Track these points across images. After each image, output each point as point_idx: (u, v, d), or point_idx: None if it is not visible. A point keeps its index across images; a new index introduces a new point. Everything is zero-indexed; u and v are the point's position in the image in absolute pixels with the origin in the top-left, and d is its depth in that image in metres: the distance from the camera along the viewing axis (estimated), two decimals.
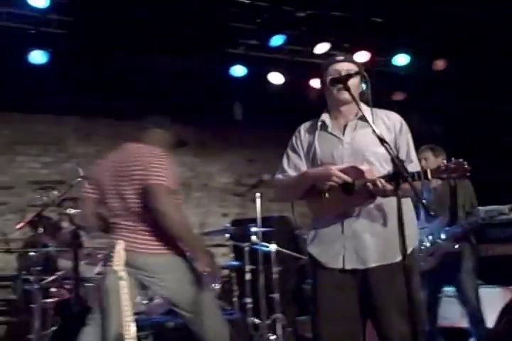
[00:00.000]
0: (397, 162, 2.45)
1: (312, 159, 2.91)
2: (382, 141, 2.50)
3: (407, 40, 6.33)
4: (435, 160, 4.83)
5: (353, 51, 6.29)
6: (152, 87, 6.57)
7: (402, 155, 2.80)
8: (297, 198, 2.93)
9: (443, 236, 4.68)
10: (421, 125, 7.57)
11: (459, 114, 6.76)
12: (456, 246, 4.63)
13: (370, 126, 2.56)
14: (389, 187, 2.56)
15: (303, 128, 3.02)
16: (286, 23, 6.02)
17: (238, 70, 6.57)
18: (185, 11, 5.41)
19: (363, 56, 6.35)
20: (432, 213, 2.36)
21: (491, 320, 4.88)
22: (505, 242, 5.10)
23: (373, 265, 2.74)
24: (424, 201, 2.33)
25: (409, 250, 2.70)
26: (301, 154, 2.96)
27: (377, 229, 2.76)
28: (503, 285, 5.37)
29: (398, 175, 2.43)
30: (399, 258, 2.62)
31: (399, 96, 6.92)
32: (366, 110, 2.82)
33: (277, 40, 6.18)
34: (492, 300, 4.93)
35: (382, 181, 2.58)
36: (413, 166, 2.76)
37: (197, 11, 5.48)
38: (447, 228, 4.69)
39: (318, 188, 2.81)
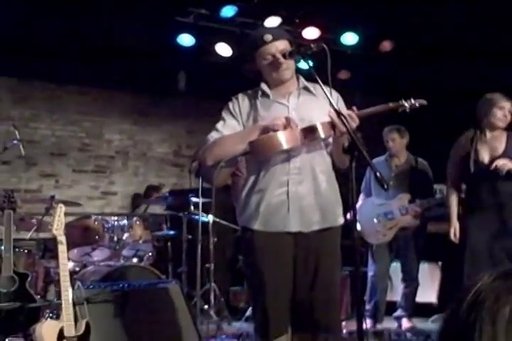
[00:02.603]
0: (352, 135, 2.50)
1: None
2: (338, 113, 2.57)
3: (356, 20, 6.43)
4: (401, 141, 5.15)
5: (302, 27, 6.39)
6: (94, 51, 6.45)
7: None
8: (237, 153, 2.77)
9: (403, 211, 4.93)
10: (363, 104, 7.76)
11: (401, 94, 6.93)
12: (417, 222, 4.94)
13: (328, 98, 2.61)
14: (350, 112, 2.61)
15: (241, 96, 2.95)
16: None
17: (186, 39, 6.46)
18: None
19: (312, 32, 6.45)
20: (385, 187, 2.43)
21: (419, 294, 5.15)
22: (438, 221, 5.33)
23: (316, 228, 2.81)
24: (378, 174, 2.40)
25: (341, 220, 2.91)
26: (240, 120, 2.90)
27: (319, 193, 2.82)
28: (431, 261, 5.65)
29: (354, 146, 2.46)
30: (338, 222, 2.88)
31: (344, 75, 7.04)
32: (305, 81, 2.95)
33: (228, 11, 6.12)
34: (420, 275, 5.18)
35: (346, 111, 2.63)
36: None
37: None
38: (407, 205, 4.95)
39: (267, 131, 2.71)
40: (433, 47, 6.45)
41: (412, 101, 2.71)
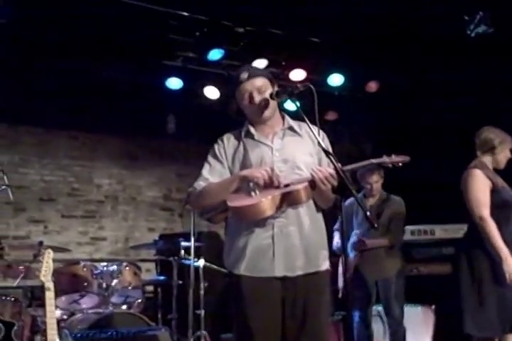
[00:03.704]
0: (342, 174, 2.50)
1: (241, 167, 2.88)
2: (327, 152, 2.58)
3: (342, 61, 6.53)
4: (381, 181, 5.06)
5: (289, 69, 6.48)
6: (82, 95, 6.49)
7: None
8: (221, 202, 2.81)
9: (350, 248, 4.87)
10: (350, 144, 7.83)
11: (388, 134, 7.01)
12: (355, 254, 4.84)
13: (316, 138, 2.66)
14: (332, 171, 2.59)
15: (226, 137, 2.99)
16: (225, 38, 6.08)
17: (174, 83, 6.54)
18: (124, 19, 5.38)
19: (298, 74, 6.53)
20: (376, 225, 2.41)
21: (412, 338, 5.04)
22: (430, 262, 5.28)
23: (301, 272, 2.78)
24: (368, 213, 2.39)
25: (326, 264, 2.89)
26: (225, 163, 2.92)
27: (304, 237, 2.80)
28: (424, 304, 5.56)
29: (344, 187, 2.48)
30: (323, 266, 2.85)
31: (332, 116, 7.11)
32: (291, 121, 2.98)
33: (215, 54, 6.20)
34: (413, 319, 5.09)
35: (328, 169, 2.62)
36: None
37: (136, 21, 5.45)
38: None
39: (246, 188, 2.73)
40: (420, 87, 6.54)
41: (395, 158, 2.74)
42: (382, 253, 4.95)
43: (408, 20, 5.41)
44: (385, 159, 2.74)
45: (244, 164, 2.87)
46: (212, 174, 2.92)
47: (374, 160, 2.75)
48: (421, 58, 6.08)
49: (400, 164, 2.74)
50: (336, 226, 5.11)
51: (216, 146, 2.97)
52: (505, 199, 3.88)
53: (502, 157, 4.01)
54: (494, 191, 3.87)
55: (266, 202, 2.65)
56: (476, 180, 3.88)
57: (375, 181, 5.02)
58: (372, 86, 6.82)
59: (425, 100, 6.73)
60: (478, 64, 5.70)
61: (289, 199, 2.69)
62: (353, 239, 4.93)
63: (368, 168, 4.93)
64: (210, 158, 2.97)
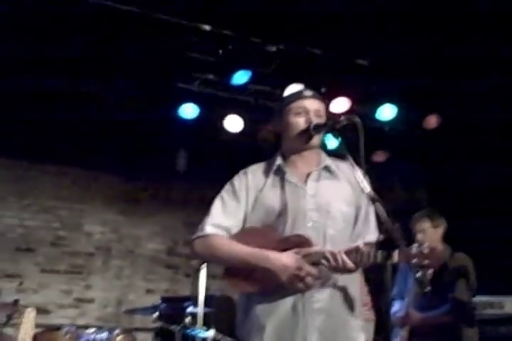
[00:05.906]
0: (388, 227, 2.44)
1: (264, 214, 2.86)
2: (373, 200, 2.56)
3: (395, 89, 6.51)
4: (434, 232, 4.82)
5: (330, 97, 6.47)
6: (76, 124, 6.51)
7: (360, 222, 2.90)
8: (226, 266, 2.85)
9: None
10: (402, 191, 7.73)
11: (450, 182, 6.92)
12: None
13: (359, 183, 2.64)
14: (349, 263, 2.59)
15: (251, 171, 2.99)
16: (253, 58, 6.13)
17: (188, 110, 6.57)
18: (132, 32, 5.44)
19: (341, 104, 6.53)
20: (427, 290, 2.33)
21: None
22: None
23: None
24: (418, 274, 2.31)
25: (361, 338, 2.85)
26: (242, 203, 2.89)
27: (335, 306, 2.76)
28: None
29: (390, 242, 2.41)
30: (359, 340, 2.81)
31: (380, 157, 7.05)
32: (327, 159, 3.01)
33: (240, 78, 6.25)
34: None
35: (343, 256, 2.60)
36: (371, 237, 2.85)
37: (147, 34, 5.50)
38: None
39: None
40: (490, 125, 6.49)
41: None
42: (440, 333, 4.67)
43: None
44: (412, 250, 2.56)
45: (270, 211, 2.85)
46: (226, 215, 2.88)
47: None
48: (495, 89, 6.03)
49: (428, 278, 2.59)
50: (394, 291, 4.90)
51: (237, 180, 2.97)
52: None
53: None
54: None
55: None
56: None
57: (422, 229, 4.80)
58: (432, 121, 6.78)
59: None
60: None
61: None
62: (398, 310, 4.77)
63: (419, 213, 4.87)
64: (224, 193, 2.95)
